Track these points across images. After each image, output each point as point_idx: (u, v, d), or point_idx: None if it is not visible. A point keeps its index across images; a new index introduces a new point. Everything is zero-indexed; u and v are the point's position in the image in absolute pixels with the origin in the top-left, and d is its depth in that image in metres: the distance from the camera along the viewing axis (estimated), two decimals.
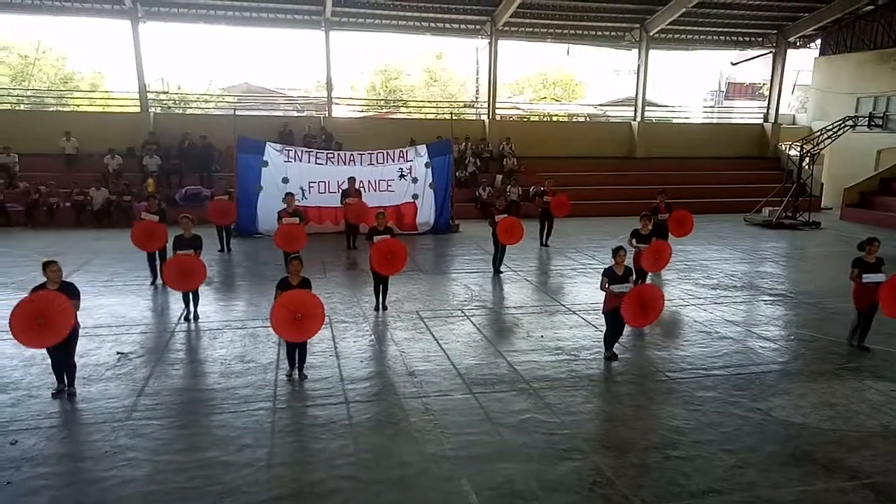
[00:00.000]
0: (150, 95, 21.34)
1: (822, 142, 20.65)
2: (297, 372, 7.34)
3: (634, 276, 8.53)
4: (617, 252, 7.92)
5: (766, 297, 11.33)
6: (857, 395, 7.19)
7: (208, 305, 10.00)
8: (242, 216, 16.13)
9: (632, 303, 7.55)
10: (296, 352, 7.31)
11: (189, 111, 26.53)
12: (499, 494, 5.18)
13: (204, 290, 9.81)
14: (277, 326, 6.90)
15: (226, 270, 12.74)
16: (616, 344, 8.23)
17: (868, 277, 8.30)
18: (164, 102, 26.42)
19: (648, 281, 10.56)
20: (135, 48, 19.84)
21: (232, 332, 8.99)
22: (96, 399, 6.74)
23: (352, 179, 15.37)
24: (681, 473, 5.54)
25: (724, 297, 11.15)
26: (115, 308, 9.92)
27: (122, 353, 8.06)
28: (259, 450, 5.79)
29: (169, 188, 18.32)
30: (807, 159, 20.46)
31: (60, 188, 17.50)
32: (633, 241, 10.71)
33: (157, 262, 10.96)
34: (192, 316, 9.29)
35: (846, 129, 20.81)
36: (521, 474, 5.47)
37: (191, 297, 9.27)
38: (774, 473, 5.56)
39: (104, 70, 38.50)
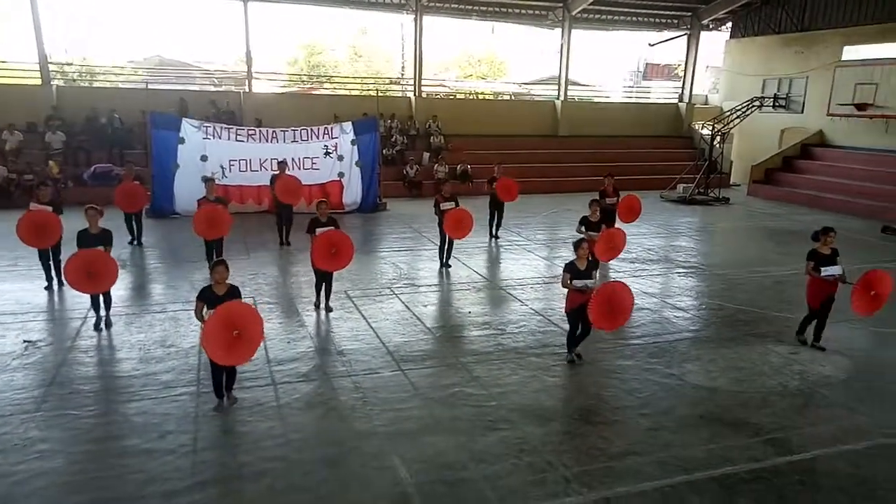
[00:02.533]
0: (52, 67, 19.90)
1: (731, 121, 21.76)
2: (225, 400, 6.19)
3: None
4: (579, 245, 7.16)
5: (680, 270, 11.92)
6: (761, 358, 7.73)
7: (123, 290, 9.55)
8: (158, 195, 15.44)
9: (600, 303, 6.75)
10: (223, 375, 6.11)
11: (96, 84, 24.94)
12: (429, 467, 5.27)
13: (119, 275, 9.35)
14: (213, 348, 5.61)
15: (141, 252, 12.18)
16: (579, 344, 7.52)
17: (827, 271, 7.68)
18: (69, 74, 24.71)
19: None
20: (33, 14, 18.39)
21: (151, 315, 8.65)
22: (2, 391, 6.35)
23: (282, 164, 13.77)
24: (601, 438, 5.82)
25: (642, 270, 11.65)
26: (20, 294, 9.31)
27: (29, 342, 7.61)
28: (182, 435, 5.64)
29: (76, 167, 17.26)
30: (718, 138, 21.54)
31: None
32: (583, 228, 10.05)
33: (51, 262, 9.53)
34: (103, 323, 8.08)
35: (753, 109, 22.01)
36: (451, 447, 5.58)
37: (101, 300, 8.05)
38: (687, 434, 5.93)
39: None
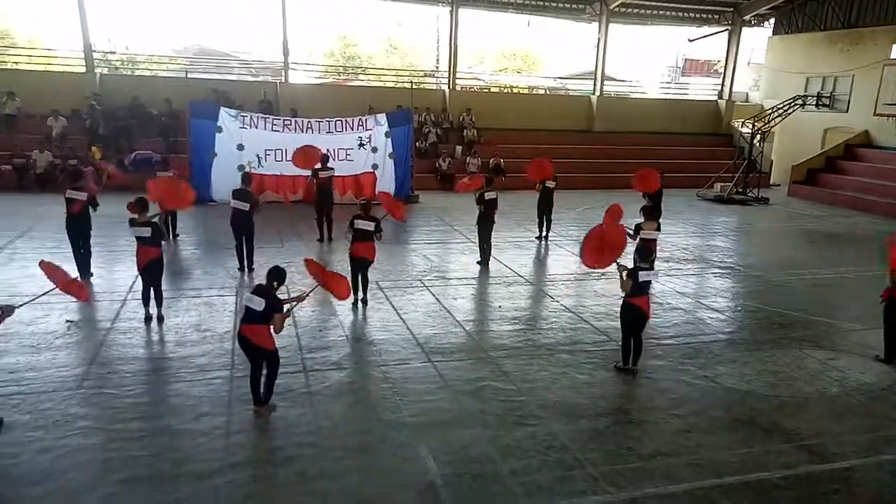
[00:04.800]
0: (95, 55, 20.38)
1: (772, 120, 21.24)
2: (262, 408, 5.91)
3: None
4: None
5: (716, 270, 11.71)
6: (797, 363, 7.56)
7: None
8: (196, 183, 15.67)
9: (595, 241, 6.98)
10: (258, 380, 5.85)
11: (138, 73, 25.48)
12: (456, 459, 5.29)
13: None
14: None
15: (176, 240, 12.42)
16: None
17: None
18: (112, 63, 25.27)
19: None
20: (79, 3, 18.85)
21: (187, 300, 8.83)
22: (45, 367, 6.57)
23: (325, 157, 13.03)
24: (631, 437, 5.76)
25: (676, 270, 11.47)
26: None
27: (71, 322, 7.85)
28: (216, 418, 5.76)
29: (118, 153, 17.66)
30: (758, 136, 21.04)
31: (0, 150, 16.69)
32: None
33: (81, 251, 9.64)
34: (155, 320, 7.95)
35: (795, 107, 21.43)
36: (478, 440, 5.59)
37: (151, 293, 7.97)
38: (718, 437, 5.84)
39: (44, 27, 36.53)
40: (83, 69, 19.65)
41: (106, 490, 4.70)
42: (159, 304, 8.06)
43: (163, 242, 8.06)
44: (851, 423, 6.23)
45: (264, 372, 5.88)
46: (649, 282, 7.12)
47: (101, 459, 5.07)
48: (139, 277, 8.06)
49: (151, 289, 7.96)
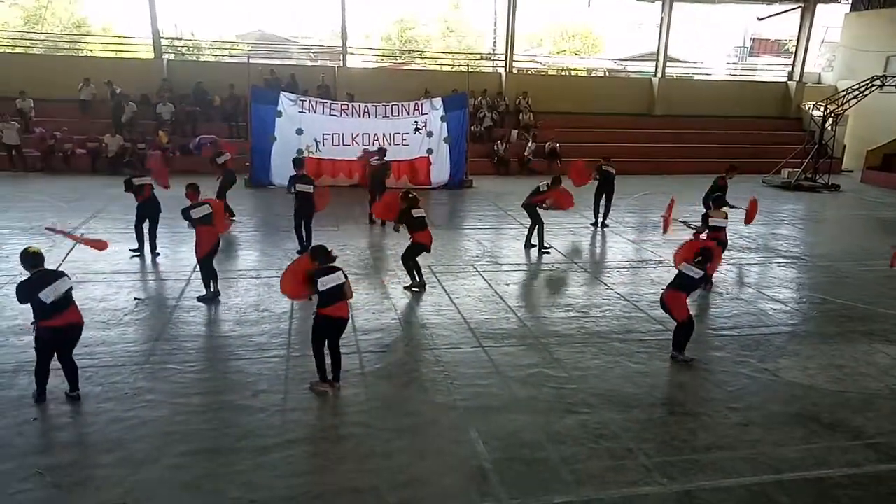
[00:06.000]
0: (163, 42, 21.11)
1: (846, 102, 20.13)
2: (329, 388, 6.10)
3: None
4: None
5: (780, 260, 11.27)
6: (866, 358, 7.22)
7: (222, 255, 10.09)
8: (257, 167, 16.16)
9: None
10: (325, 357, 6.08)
11: (202, 59, 26.26)
12: (506, 444, 5.31)
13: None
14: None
15: (240, 220, 12.82)
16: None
17: None
18: (178, 49, 26.13)
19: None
20: None
21: (246, 281, 9.12)
22: (115, 342, 6.92)
23: (382, 150, 13.50)
24: (685, 429, 5.65)
25: (738, 259, 11.10)
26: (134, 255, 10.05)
27: (139, 299, 8.23)
28: (274, 395, 5.95)
29: (183, 137, 18.31)
30: (830, 120, 19.99)
31: (75, 134, 17.55)
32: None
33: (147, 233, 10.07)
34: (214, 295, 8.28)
35: (873, 88, 20.21)
36: (529, 426, 5.59)
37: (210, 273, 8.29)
38: (778, 432, 5.65)
39: (116, 14, 38.02)
40: (151, 55, 20.39)
41: (170, 461, 4.94)
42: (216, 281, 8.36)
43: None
44: None
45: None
46: (692, 278, 6.74)
47: (166, 431, 5.32)
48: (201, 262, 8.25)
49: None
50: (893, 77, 21.18)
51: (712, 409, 6.03)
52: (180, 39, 27.75)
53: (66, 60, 21.40)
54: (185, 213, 8.14)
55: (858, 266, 10.86)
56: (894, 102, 21.38)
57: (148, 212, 10.00)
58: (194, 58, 26.15)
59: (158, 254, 10.09)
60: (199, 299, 8.22)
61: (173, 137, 18.13)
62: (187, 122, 18.85)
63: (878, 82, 20.39)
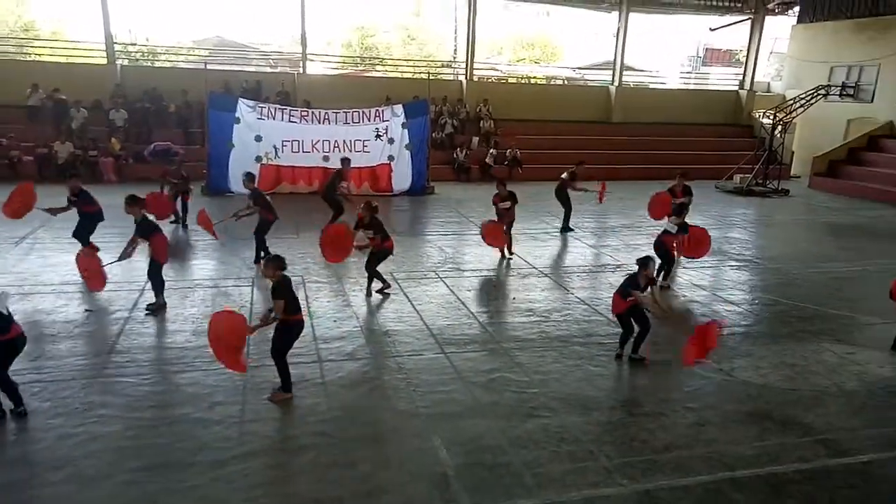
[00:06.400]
0: (116, 47, 20.59)
1: (794, 110, 20.87)
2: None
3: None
4: (646, 265, 6.87)
5: (733, 263, 11.58)
6: (815, 356, 7.46)
7: (177, 266, 9.88)
8: (214, 174, 15.88)
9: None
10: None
11: (158, 64, 25.70)
12: (468, 450, 5.31)
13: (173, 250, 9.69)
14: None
15: (196, 228, 12.54)
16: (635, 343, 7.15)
17: None
18: (132, 54, 25.53)
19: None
20: None
21: (203, 290, 8.93)
22: (65, 356, 6.68)
23: (345, 160, 13.11)
24: (644, 430, 5.74)
25: (693, 262, 11.34)
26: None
27: (90, 311, 7.97)
28: (231, 407, 5.83)
29: (137, 144, 17.87)
30: (779, 127, 20.70)
31: (23, 141, 16.96)
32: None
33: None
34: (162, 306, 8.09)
35: (818, 97, 21.04)
36: (491, 431, 5.60)
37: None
38: (733, 430, 5.79)
39: (66, 18, 36.92)
40: (105, 61, 19.86)
41: (122, 477, 4.78)
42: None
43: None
44: (869, 417, 6.14)
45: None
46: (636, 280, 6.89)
47: (118, 447, 5.15)
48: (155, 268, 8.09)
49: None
50: (837, 86, 22.11)
51: (670, 409, 6.15)
52: (134, 44, 27.13)
53: (13, 65, 20.66)
54: (146, 230, 7.90)
55: (807, 268, 11.23)
56: (838, 111, 22.27)
57: (96, 222, 9.80)
58: (149, 63, 25.59)
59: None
60: (150, 308, 8.01)
61: (126, 144, 17.68)
62: (142, 129, 18.40)
63: (822, 91, 21.24)
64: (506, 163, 19.97)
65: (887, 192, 18.48)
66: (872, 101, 21.40)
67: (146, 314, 7.92)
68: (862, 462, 5.37)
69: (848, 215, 16.59)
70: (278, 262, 5.92)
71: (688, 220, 9.95)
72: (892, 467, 5.33)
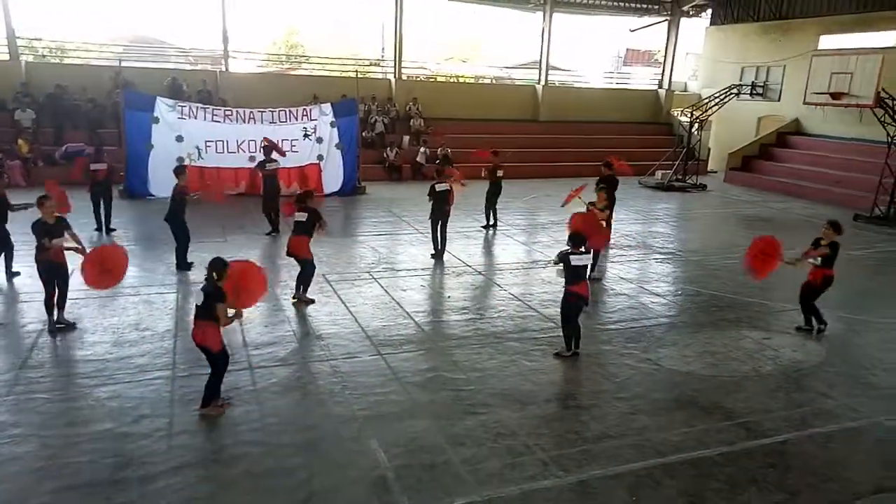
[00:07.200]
0: (20, 42, 19.30)
1: (709, 108, 21.92)
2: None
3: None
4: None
5: (658, 256, 12.04)
6: (735, 343, 7.86)
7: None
8: (132, 177, 15.16)
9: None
10: None
11: (67, 61, 24.27)
12: (407, 451, 5.29)
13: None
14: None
15: (111, 238, 11.94)
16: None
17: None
18: (38, 50, 24.00)
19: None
20: None
21: (124, 299, 8.51)
22: None
23: (268, 149, 12.84)
24: (578, 422, 5.88)
25: (620, 256, 11.74)
26: None
27: (1, 324, 7.44)
28: (158, 419, 5.58)
29: (46, 145, 16.83)
30: (696, 125, 21.69)
31: None
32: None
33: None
34: (58, 326, 7.40)
35: (731, 96, 22.18)
36: (429, 430, 5.60)
37: (55, 299, 7.44)
38: (662, 417, 6.02)
39: None
40: (7, 57, 18.59)
41: (40, 500, 4.49)
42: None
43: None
44: (784, 399, 6.52)
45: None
46: (586, 266, 7.22)
47: (34, 468, 4.84)
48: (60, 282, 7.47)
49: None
50: (747, 86, 23.37)
51: (602, 400, 6.33)
52: (40, 40, 25.51)
53: None
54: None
55: (725, 259, 11.81)
56: (750, 109, 23.55)
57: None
58: (58, 60, 24.15)
59: (17, 273, 9.17)
60: (60, 323, 7.50)
61: (35, 146, 16.63)
62: (51, 130, 17.33)
63: (734, 91, 22.41)
64: (437, 161, 20.00)
65: (795, 186, 19.68)
66: (780, 99, 22.73)
67: (58, 328, 7.45)
68: (779, 442, 5.70)
69: (760, 208, 17.56)
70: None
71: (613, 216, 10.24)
72: (806, 445, 5.68)
